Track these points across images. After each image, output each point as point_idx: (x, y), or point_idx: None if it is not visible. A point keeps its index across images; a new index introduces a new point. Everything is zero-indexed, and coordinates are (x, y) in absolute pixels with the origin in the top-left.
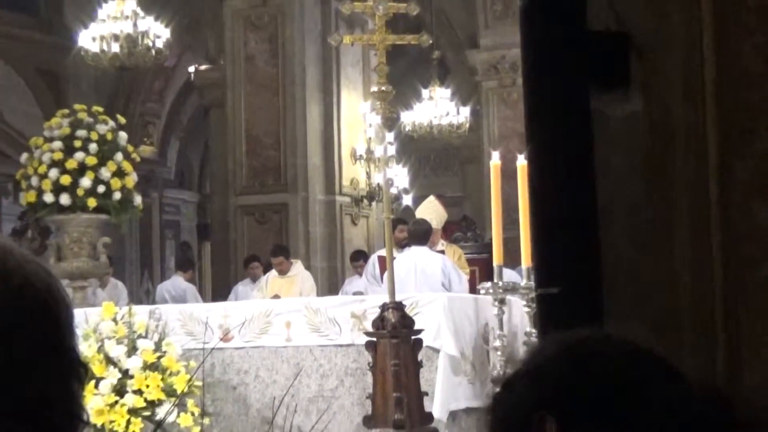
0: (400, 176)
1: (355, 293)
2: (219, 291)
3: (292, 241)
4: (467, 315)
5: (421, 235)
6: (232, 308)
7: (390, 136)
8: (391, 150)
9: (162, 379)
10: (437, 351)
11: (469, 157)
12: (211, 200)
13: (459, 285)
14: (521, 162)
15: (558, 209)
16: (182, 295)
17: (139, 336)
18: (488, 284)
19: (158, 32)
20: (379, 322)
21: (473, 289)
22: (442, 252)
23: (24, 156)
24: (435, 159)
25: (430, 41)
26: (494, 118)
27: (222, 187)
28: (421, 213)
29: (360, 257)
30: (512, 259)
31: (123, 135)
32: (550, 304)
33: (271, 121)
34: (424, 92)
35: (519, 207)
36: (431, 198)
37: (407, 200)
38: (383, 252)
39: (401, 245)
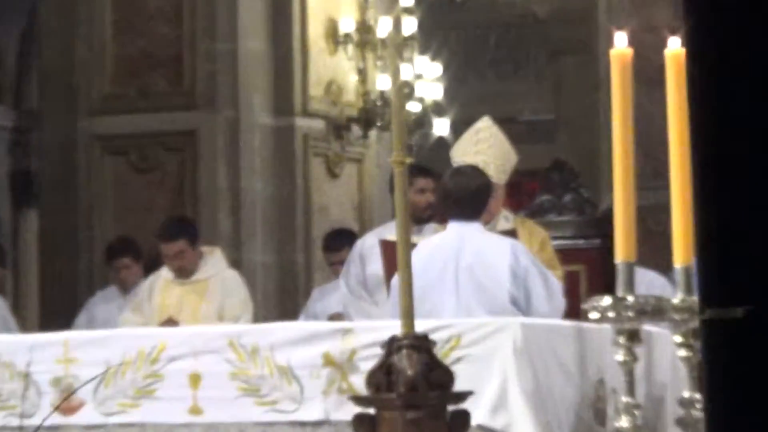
0: (427, 78)
1: (331, 316)
2: (55, 308)
3: (204, 210)
4: (561, 362)
5: (467, 198)
6: (80, 344)
7: None
8: (411, 26)
9: None
10: None
11: (566, 44)
12: (40, 125)
13: (545, 300)
14: (672, 50)
15: (744, 148)
16: None
17: None
18: (605, 300)
19: None
20: (382, 377)
21: (573, 310)
22: (512, 233)
23: None
24: (498, 46)
25: None
26: None
27: (63, 100)
28: (466, 148)
29: (342, 243)
30: (656, 250)
31: None
32: (727, 339)
33: None
34: None
35: (669, 140)
36: (487, 122)
37: (441, 127)
38: (390, 233)
39: (423, 219)
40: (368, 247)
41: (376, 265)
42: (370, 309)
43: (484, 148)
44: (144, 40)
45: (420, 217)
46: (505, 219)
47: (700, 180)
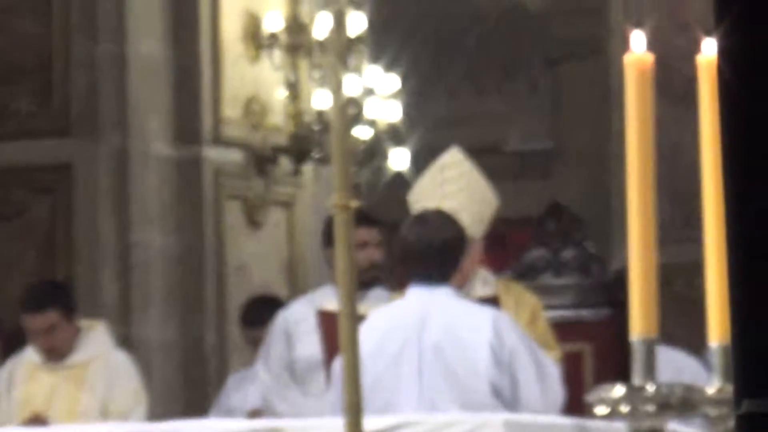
0: (380, 94)
1: (251, 413)
2: None
3: (82, 272)
4: None
5: (433, 255)
6: None
7: None
8: (359, 23)
9: None
10: None
11: (570, 45)
12: None
13: (538, 389)
14: (707, 56)
15: None
16: None
17: None
18: (616, 389)
19: None
20: None
21: (575, 402)
22: (493, 301)
23: None
24: (477, 49)
25: None
26: None
27: None
28: (429, 192)
29: (266, 315)
30: (687, 321)
31: None
32: None
33: None
34: None
35: (703, 177)
36: (457, 155)
37: (399, 159)
38: (327, 301)
39: (364, 283)
40: (295, 320)
41: (307, 346)
42: (301, 401)
43: (453, 190)
44: (10, 43)
45: (361, 281)
46: (484, 282)
47: (735, 237)
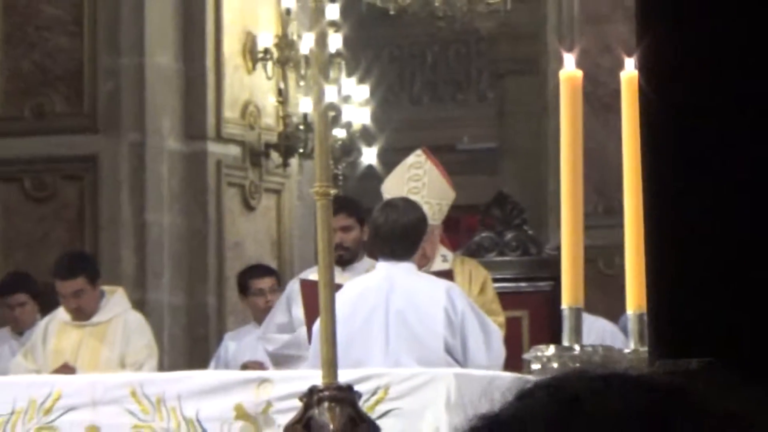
0: (355, 101)
1: (245, 364)
2: None
3: (105, 245)
4: None
5: (398, 235)
6: None
7: (333, 9)
8: (337, 42)
9: None
10: None
11: (513, 62)
12: None
13: (484, 348)
14: (628, 72)
15: (702, 187)
16: None
17: None
18: (549, 349)
19: None
20: (301, 430)
21: (515, 360)
22: (447, 274)
23: None
24: (437, 64)
25: None
26: None
27: None
28: (398, 187)
29: (262, 273)
30: (607, 294)
31: None
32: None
33: None
34: None
35: (624, 173)
36: (420, 157)
37: (370, 155)
38: (312, 273)
39: (345, 258)
40: (290, 290)
41: (297, 310)
42: (293, 355)
43: (417, 186)
44: (38, 54)
45: (344, 257)
46: (443, 258)
47: (652, 219)
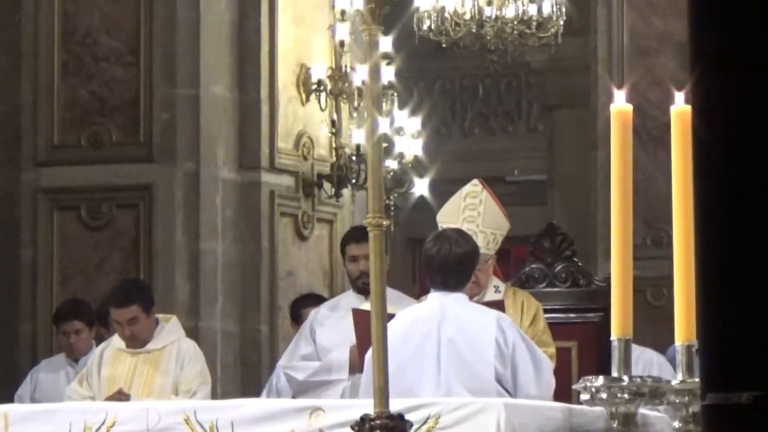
0: (407, 132)
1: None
2: None
3: (159, 273)
4: None
5: (450, 266)
6: (21, 418)
7: (386, 42)
8: (389, 73)
9: None
10: None
11: (563, 95)
12: None
13: (534, 378)
14: (679, 106)
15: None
16: None
17: None
18: (598, 380)
19: None
20: None
21: (564, 390)
22: (498, 305)
23: None
24: (488, 97)
25: None
26: (623, 11)
27: (5, 149)
28: (453, 215)
29: (310, 309)
30: (656, 325)
31: None
32: (730, 426)
33: (124, 6)
34: None
35: (673, 206)
36: (477, 186)
37: (421, 186)
38: (364, 302)
39: (359, 288)
40: (320, 318)
41: (325, 337)
42: (340, 382)
43: (473, 215)
44: (95, 83)
45: (356, 286)
46: (495, 289)
47: (703, 254)
